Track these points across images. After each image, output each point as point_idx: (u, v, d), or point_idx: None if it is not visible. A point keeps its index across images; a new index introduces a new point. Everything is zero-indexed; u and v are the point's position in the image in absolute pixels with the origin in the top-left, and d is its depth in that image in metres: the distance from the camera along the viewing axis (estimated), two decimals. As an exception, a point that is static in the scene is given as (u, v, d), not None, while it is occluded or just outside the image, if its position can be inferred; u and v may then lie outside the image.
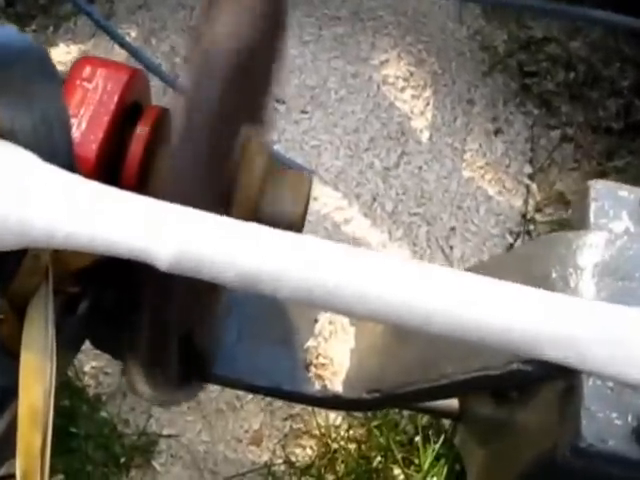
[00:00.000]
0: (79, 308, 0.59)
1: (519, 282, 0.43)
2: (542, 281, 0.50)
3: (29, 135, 0.47)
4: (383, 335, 0.60)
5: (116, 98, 0.59)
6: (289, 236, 0.42)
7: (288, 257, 0.40)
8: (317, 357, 0.63)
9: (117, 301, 0.60)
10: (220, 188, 0.50)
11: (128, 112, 0.61)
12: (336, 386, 0.60)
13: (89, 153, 0.57)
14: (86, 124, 0.58)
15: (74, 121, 0.57)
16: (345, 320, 0.64)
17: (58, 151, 0.49)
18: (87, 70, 0.61)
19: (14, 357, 0.50)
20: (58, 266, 0.52)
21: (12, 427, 0.50)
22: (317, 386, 0.60)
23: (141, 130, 0.60)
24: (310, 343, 0.64)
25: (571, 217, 1.12)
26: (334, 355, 0.63)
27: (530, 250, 0.57)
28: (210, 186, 0.47)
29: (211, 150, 0.47)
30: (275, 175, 0.58)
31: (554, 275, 0.50)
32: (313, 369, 0.61)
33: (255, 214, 0.56)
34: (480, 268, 0.57)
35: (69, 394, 1.06)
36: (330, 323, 0.65)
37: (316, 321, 0.66)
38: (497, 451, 0.67)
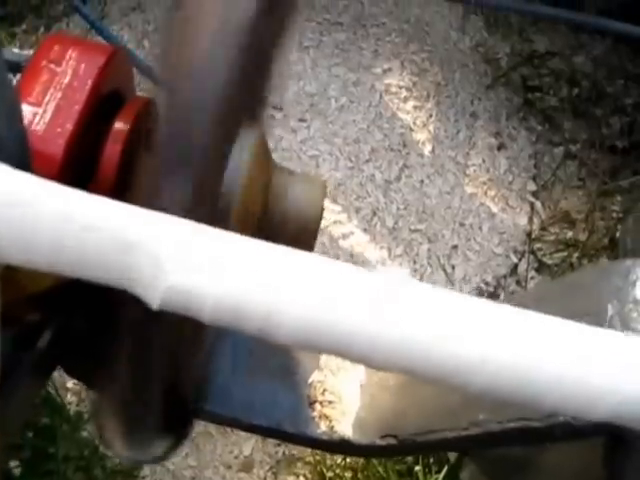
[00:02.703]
0: (40, 340, 0.49)
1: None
2: (597, 319, 0.44)
3: None
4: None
5: (90, 83, 0.49)
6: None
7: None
8: (323, 393, 0.56)
9: (89, 329, 0.52)
10: (218, 196, 0.42)
11: (105, 103, 0.51)
12: (345, 428, 0.53)
13: (55, 149, 0.48)
14: (52, 115, 0.48)
15: (37, 111, 0.48)
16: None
17: (2, 145, 0.39)
18: (55, 49, 0.51)
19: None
20: (10, 289, 0.41)
21: None
22: (323, 427, 0.54)
23: (120, 126, 0.50)
24: (315, 377, 0.58)
25: (621, 240, 1.06)
26: (342, 391, 0.56)
27: (579, 280, 0.50)
28: (207, 194, 0.39)
29: (211, 152, 0.39)
30: (283, 179, 0.51)
31: (610, 312, 0.44)
32: (318, 407, 0.55)
33: (259, 223, 0.49)
34: (520, 299, 0.51)
35: (49, 412, 1.00)
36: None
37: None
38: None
